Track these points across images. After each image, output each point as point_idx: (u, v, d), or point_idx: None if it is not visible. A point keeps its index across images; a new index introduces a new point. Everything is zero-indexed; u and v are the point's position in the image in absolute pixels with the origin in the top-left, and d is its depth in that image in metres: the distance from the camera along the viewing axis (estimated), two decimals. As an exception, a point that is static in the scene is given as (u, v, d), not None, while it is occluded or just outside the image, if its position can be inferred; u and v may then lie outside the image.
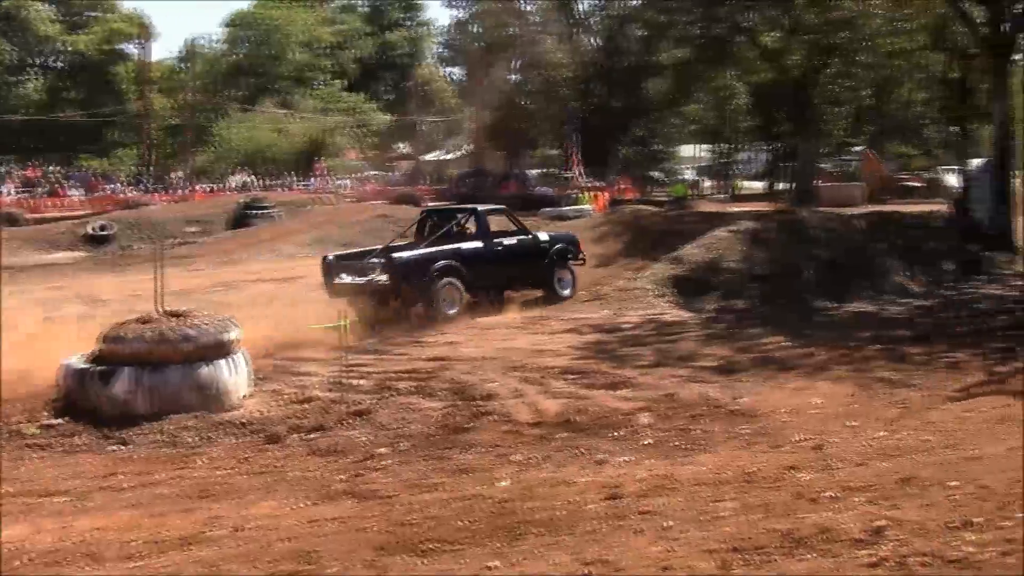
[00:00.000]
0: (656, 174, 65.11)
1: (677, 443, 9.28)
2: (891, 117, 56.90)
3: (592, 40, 65.62)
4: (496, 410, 10.46)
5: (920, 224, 25.87)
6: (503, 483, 8.10)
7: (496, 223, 20.02)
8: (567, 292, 19.81)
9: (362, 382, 11.92)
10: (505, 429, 9.85)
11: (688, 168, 70.77)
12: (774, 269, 20.26)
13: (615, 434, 9.61)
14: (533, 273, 19.68)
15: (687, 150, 71.79)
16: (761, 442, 9.21)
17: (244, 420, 10.22)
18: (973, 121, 36.18)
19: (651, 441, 9.37)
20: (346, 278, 18.10)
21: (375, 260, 18.17)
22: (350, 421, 10.23)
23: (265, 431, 9.92)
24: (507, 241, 19.62)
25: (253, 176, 61.02)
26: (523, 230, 20.31)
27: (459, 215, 20.24)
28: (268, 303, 18.95)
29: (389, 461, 8.92)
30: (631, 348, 14.21)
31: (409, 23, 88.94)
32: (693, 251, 21.02)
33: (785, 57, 45.36)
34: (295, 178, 61.72)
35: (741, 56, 48.48)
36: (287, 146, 66.96)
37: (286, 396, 11.18)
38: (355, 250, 20.43)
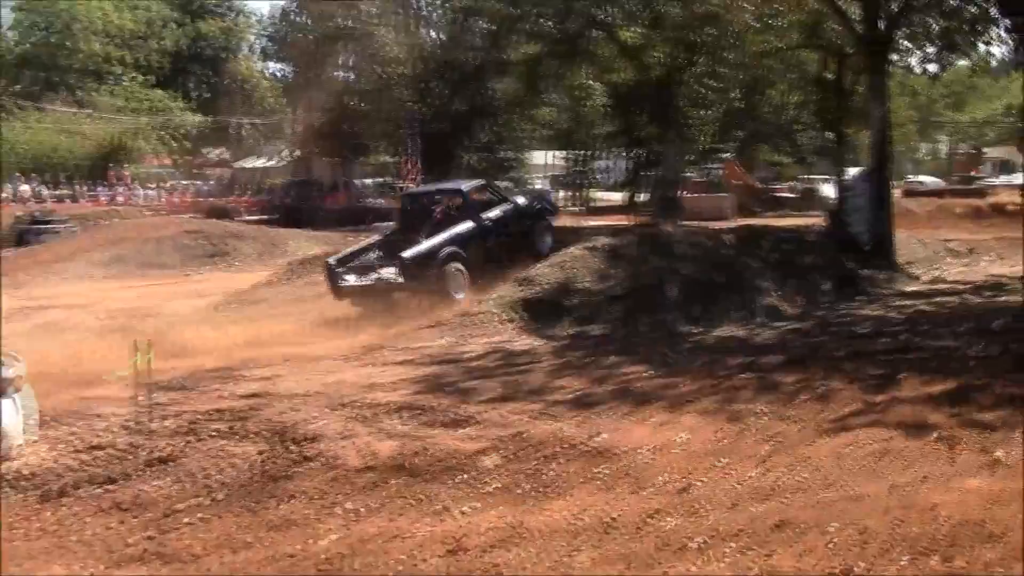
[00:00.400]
0: (504, 184, 65.41)
1: (528, 487, 9.26)
2: (762, 121, 58.36)
3: (433, 34, 65.78)
4: (322, 453, 10.30)
5: (794, 239, 26.56)
6: (329, 538, 7.96)
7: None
8: (544, 248, 23.02)
9: (166, 424, 11.62)
10: (332, 475, 9.70)
11: (540, 177, 71.32)
12: (635, 290, 20.56)
13: (458, 478, 9.55)
14: (518, 234, 22.93)
15: (539, 157, 72.39)
16: (622, 484, 9.25)
17: (24, 472, 9.86)
18: (850, 126, 37.21)
19: (498, 486, 9.34)
20: (351, 279, 21.10)
21: (374, 256, 21.79)
22: (151, 470, 9.95)
23: (50, 484, 9.57)
24: (493, 214, 22.76)
25: (40, 185, 59.33)
26: (503, 199, 23.81)
27: (442, 196, 23.62)
28: (58, 334, 18.39)
29: (197, 516, 8.69)
30: (475, 381, 14.18)
31: (225, 12, 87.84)
32: (545, 270, 21.19)
33: (646, 55, 46.11)
34: (89, 187, 60.22)
35: (598, 53, 49.04)
36: (80, 150, 65.27)
37: (76, 442, 10.83)
38: (351, 249, 23.23)
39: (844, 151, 36.36)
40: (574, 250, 22.32)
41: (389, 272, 20.71)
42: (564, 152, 69.86)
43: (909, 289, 25.19)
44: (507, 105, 59.66)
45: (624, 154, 64.02)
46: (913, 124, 72.25)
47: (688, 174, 58.27)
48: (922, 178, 69.85)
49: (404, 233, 22.64)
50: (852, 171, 32.46)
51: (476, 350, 16.79)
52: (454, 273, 20.86)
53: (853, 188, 29.58)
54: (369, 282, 20.90)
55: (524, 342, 17.60)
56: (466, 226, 21.89)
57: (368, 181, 63.15)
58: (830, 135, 41.67)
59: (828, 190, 45.69)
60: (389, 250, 21.73)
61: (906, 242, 29.40)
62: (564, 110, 63.28)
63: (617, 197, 63.32)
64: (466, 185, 24.17)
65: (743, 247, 24.49)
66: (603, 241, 23.03)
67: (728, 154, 61.09)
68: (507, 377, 14.48)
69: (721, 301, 20.93)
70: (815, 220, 31.79)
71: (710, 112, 53.37)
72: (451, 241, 21.27)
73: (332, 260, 21.78)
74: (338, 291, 21.17)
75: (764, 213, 47.31)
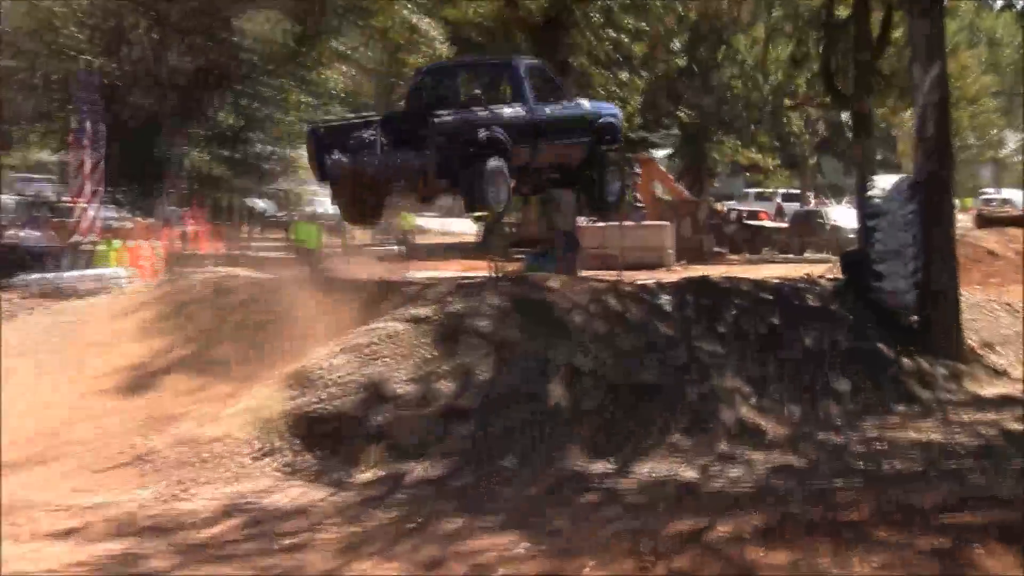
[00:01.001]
0: (261, 203, 65.08)
1: None
2: (724, 93, 58.94)
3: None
4: None
5: (783, 303, 26.53)
6: None
7: None
8: (612, 198, 26.89)
9: None
10: None
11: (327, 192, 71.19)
12: (495, 396, 20.47)
13: None
14: (577, 161, 26.50)
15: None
16: None
17: None
18: (879, 102, 37.56)
19: None
20: (343, 158, 24.29)
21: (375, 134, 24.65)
22: None
23: None
24: (551, 108, 26.07)
25: None
26: (560, 91, 27.10)
27: (482, 71, 27.67)
28: None
29: None
30: (202, 568, 13.98)
31: None
32: (334, 361, 21.07)
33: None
34: None
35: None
36: None
37: None
38: (341, 121, 27.46)
39: (869, 146, 36.76)
40: (386, 323, 22.25)
41: (407, 153, 23.68)
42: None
43: (988, 393, 25.24)
44: (268, 64, 59.53)
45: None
46: (991, 99, 73.16)
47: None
48: (1008, 193, 70.81)
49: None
50: (884, 181, 32.22)
51: (206, 508, 16.65)
52: (494, 168, 23.61)
53: (886, 212, 29.09)
54: (373, 163, 23.94)
55: (294, 492, 17.50)
56: (515, 111, 24.76)
57: (6, 199, 62.38)
58: (844, 117, 42.20)
59: (842, 215, 46.25)
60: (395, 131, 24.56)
61: (981, 308, 29.58)
62: (371, 71, 63.29)
63: (465, 227, 63.45)
64: (519, 59, 27.11)
65: (692, 318, 24.54)
66: (438, 308, 22.96)
67: (665, 151, 61.51)
68: (261, 559, 14.35)
69: (652, 414, 20.89)
70: (820, 268, 31.95)
71: (630, 76, 53.76)
72: (495, 121, 24.21)
73: (320, 127, 25.57)
74: (323, 171, 24.77)
75: (729, 256, 47.74)
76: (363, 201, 25.12)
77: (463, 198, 24.35)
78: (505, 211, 25.38)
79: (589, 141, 26.64)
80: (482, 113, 24.38)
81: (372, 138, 24.57)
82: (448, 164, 23.19)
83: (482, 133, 23.52)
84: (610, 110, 29.11)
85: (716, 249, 50.99)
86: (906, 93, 31.74)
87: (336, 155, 24.23)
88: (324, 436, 19.28)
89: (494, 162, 23.55)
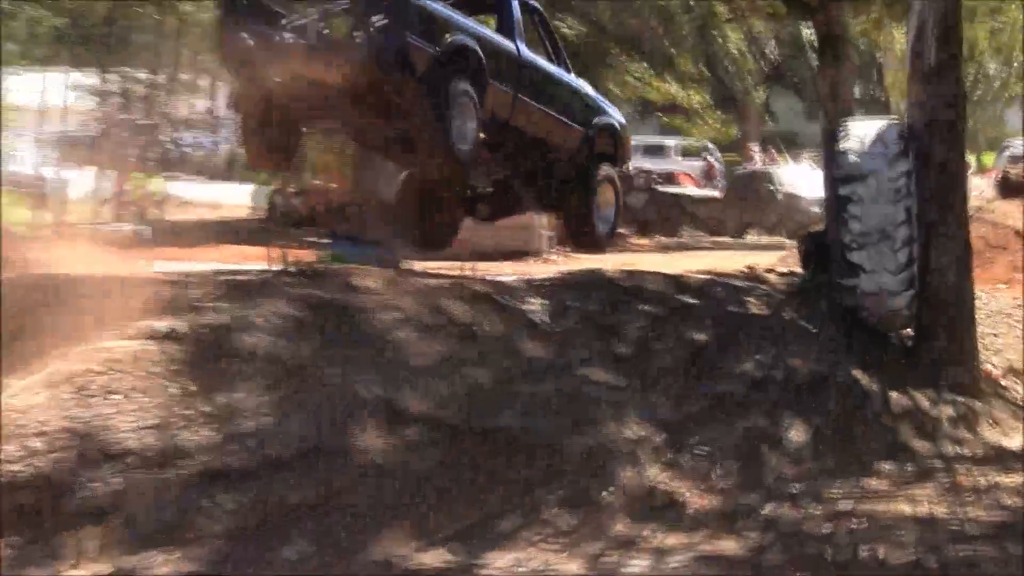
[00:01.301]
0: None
1: None
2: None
3: None
4: None
5: (713, 312, 26.47)
6: None
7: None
8: (605, 228, 27.87)
9: None
10: None
11: (30, 136, 71.31)
12: (279, 451, 20.19)
13: None
14: (564, 152, 28.01)
15: (26, 86, 72.30)
16: None
17: None
18: (854, 12, 37.51)
19: None
20: (253, 39, 25.32)
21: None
22: None
23: None
24: (544, 62, 28.47)
25: None
26: (560, 54, 29.04)
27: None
28: None
29: None
30: None
31: None
32: (35, 399, 20.59)
33: None
34: None
35: None
36: None
37: None
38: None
39: (842, 76, 36.79)
40: (117, 343, 21.84)
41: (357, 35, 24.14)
42: (97, 74, 69.89)
43: (1013, 444, 25.27)
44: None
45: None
46: (1020, 10, 73.40)
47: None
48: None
49: None
50: (863, 128, 31.90)
51: None
52: (462, 96, 24.73)
53: (867, 173, 28.73)
54: (300, 44, 24.66)
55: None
56: (500, 40, 26.98)
57: None
58: (806, 34, 42.37)
59: (801, 178, 46.48)
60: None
61: (1005, 317, 29.66)
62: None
63: (239, 197, 63.50)
64: None
65: (577, 333, 24.38)
66: (194, 319, 22.61)
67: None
68: None
69: (516, 478, 20.70)
70: (768, 257, 31.94)
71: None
72: (471, 34, 25.65)
73: None
74: (228, 49, 26.41)
75: (634, 239, 47.90)
76: (276, 116, 25.73)
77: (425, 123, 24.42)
78: (470, 158, 25.24)
79: (582, 135, 27.67)
80: (459, 18, 25.21)
81: (306, 21, 25.06)
82: (405, 57, 23.60)
83: (451, 37, 24.18)
84: (616, 113, 30.17)
85: (631, 231, 51.11)
86: (894, 6, 31.72)
87: (240, 33, 25.07)
88: (18, 513, 18.84)
89: (462, 84, 24.13)
